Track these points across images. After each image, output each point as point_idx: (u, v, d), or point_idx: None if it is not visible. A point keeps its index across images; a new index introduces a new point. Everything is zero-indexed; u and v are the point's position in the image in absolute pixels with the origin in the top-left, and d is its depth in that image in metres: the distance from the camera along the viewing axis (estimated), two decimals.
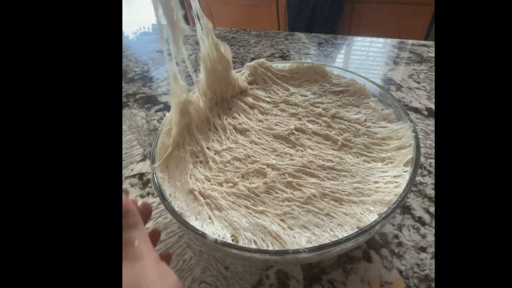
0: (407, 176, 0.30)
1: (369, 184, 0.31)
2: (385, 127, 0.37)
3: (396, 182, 0.30)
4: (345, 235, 0.26)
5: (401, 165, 0.32)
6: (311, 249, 0.23)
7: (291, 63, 0.45)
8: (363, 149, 0.35)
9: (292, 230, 0.28)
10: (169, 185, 0.31)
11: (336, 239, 0.25)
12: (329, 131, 0.37)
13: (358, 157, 0.35)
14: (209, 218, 0.29)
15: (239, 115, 0.40)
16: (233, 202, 0.30)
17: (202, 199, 0.30)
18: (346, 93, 0.42)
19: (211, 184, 0.32)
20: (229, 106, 0.41)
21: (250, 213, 0.29)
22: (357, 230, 0.26)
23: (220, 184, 0.32)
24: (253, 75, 0.45)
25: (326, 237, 0.27)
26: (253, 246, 0.27)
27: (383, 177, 0.32)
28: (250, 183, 0.32)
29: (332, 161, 0.34)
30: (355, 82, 0.42)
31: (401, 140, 0.34)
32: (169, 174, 0.32)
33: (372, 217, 0.28)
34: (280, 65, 0.45)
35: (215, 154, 0.35)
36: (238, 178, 0.33)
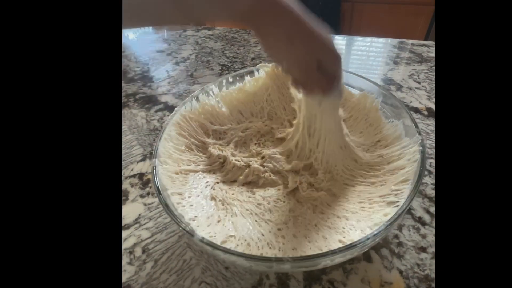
0: (405, 192, 0.29)
1: (353, 203, 0.33)
2: (374, 153, 0.37)
3: (383, 201, 0.31)
4: (331, 247, 0.27)
5: (391, 185, 0.32)
6: (295, 259, 0.23)
7: None
8: (350, 178, 0.36)
9: (284, 238, 0.29)
10: (180, 186, 0.33)
11: (318, 250, 0.27)
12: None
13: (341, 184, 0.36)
14: (219, 221, 0.31)
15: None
16: (246, 210, 0.33)
17: (221, 205, 0.33)
18: (347, 123, 0.42)
19: (232, 194, 0.35)
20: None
21: (256, 221, 0.32)
22: (340, 244, 0.27)
23: (241, 194, 0.35)
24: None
25: (309, 247, 0.28)
26: (244, 246, 0.28)
27: (369, 197, 0.33)
28: (265, 191, 0.35)
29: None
30: (363, 98, 0.41)
31: (402, 160, 0.33)
32: (183, 182, 0.34)
33: (354, 233, 0.29)
34: None
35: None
36: (256, 189, 0.36)
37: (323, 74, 0.25)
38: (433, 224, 0.35)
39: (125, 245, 0.36)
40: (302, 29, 0.24)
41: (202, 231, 0.28)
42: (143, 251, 0.35)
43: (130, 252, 0.35)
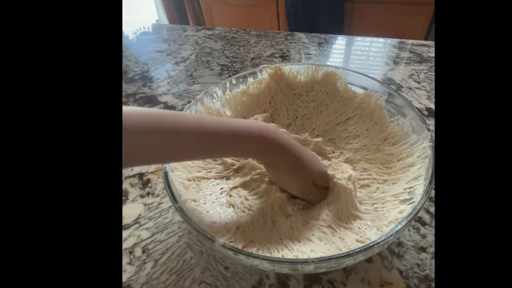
0: (418, 189, 0.29)
1: (365, 205, 0.32)
2: (381, 151, 0.37)
3: (397, 199, 0.31)
4: (349, 247, 0.27)
5: (403, 184, 0.32)
6: (320, 260, 0.23)
7: (306, 66, 0.44)
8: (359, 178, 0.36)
9: (299, 241, 0.29)
10: (194, 193, 0.33)
11: (337, 250, 0.27)
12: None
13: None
14: (238, 227, 0.31)
15: None
16: (263, 216, 0.33)
17: (240, 212, 0.33)
18: (352, 120, 0.42)
19: (249, 201, 0.34)
20: None
21: (274, 225, 0.32)
22: (358, 243, 0.27)
23: (261, 197, 0.34)
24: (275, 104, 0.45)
25: (327, 248, 0.28)
26: (266, 251, 0.28)
27: (381, 197, 0.33)
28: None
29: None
30: (367, 97, 0.41)
31: (412, 157, 0.33)
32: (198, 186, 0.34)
33: (370, 232, 0.29)
34: (294, 68, 0.44)
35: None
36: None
37: (317, 188, 0.32)
38: (433, 224, 0.35)
39: (125, 245, 0.36)
40: (299, 162, 0.30)
41: (223, 237, 0.29)
42: (143, 251, 0.35)
43: (130, 252, 0.35)
